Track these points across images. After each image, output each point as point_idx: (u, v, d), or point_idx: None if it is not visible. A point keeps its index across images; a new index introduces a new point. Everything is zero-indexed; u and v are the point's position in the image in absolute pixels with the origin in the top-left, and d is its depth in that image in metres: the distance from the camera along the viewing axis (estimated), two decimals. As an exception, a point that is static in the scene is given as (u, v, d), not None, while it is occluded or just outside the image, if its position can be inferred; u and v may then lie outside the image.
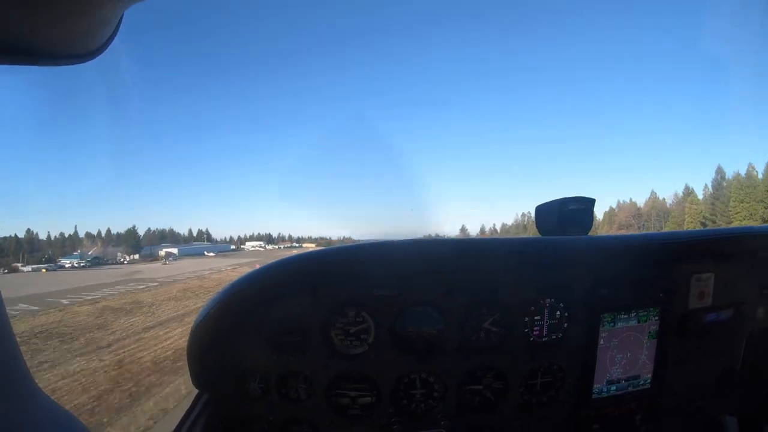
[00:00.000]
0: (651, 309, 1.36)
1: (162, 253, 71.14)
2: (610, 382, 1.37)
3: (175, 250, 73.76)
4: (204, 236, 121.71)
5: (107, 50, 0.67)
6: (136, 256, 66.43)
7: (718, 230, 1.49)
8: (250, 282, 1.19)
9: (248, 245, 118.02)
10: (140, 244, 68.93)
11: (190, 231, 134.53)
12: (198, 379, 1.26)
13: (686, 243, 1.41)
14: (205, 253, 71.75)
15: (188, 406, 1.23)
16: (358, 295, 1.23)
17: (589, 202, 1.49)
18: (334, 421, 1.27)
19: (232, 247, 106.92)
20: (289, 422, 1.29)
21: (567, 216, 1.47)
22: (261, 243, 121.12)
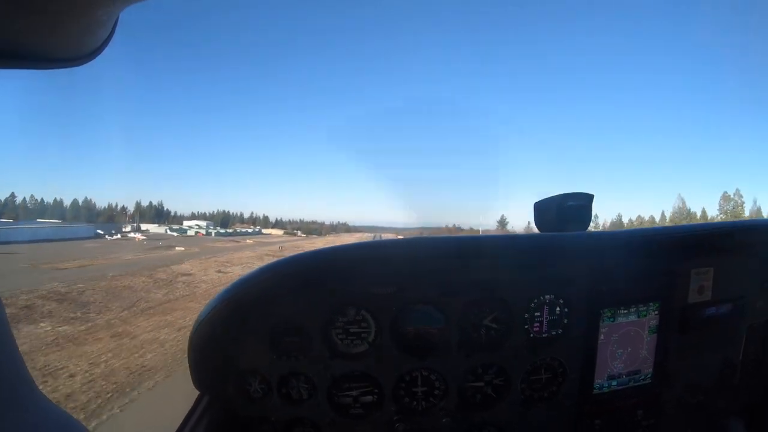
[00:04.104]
0: (651, 304, 1.37)
1: None
2: (611, 377, 1.37)
3: None
4: (135, 216, 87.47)
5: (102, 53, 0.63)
6: None
7: (718, 224, 1.48)
8: (250, 283, 1.19)
9: (184, 225, 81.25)
10: None
11: (138, 203, 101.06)
12: (199, 380, 1.26)
13: (685, 237, 1.42)
14: None
15: (189, 408, 1.24)
16: (358, 293, 1.24)
17: (588, 198, 1.49)
18: (337, 420, 1.28)
19: (110, 234, 53.25)
20: (291, 423, 1.30)
21: (566, 212, 1.46)
22: (196, 224, 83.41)
